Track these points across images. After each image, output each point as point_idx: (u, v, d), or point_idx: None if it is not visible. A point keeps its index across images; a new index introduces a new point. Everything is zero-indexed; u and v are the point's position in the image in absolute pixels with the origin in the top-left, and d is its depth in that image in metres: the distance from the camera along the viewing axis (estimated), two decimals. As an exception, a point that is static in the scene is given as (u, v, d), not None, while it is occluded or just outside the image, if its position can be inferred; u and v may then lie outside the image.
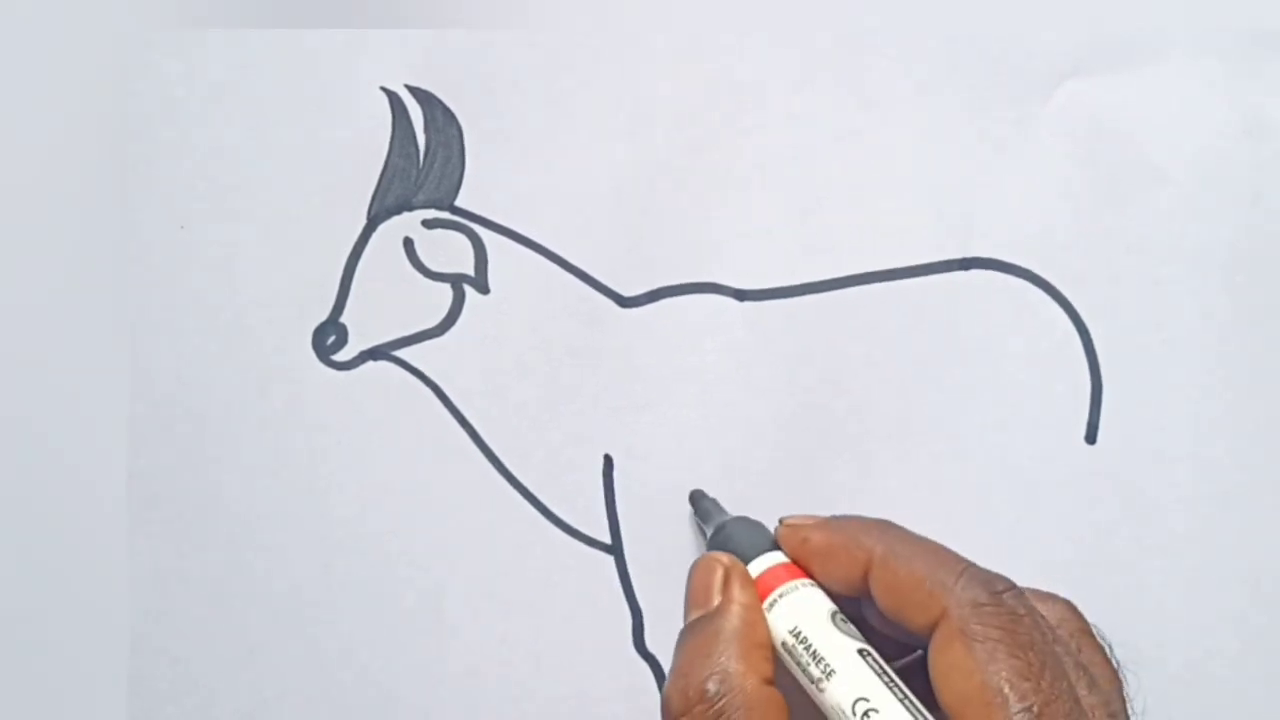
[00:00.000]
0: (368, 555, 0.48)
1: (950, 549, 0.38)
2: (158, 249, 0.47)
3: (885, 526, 0.39)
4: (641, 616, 0.47)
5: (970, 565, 0.37)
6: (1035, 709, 0.33)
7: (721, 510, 0.45)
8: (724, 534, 0.42)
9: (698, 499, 0.46)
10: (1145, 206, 0.47)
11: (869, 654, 0.37)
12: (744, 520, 0.43)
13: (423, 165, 0.47)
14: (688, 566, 0.40)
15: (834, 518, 0.41)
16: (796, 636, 0.38)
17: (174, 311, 0.47)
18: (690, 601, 0.40)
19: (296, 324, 0.48)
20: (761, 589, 0.40)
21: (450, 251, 0.47)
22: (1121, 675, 0.37)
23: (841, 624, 0.38)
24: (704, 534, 0.45)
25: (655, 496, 0.47)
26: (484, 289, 0.48)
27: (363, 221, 0.48)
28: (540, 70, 0.47)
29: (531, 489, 0.48)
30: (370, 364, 0.48)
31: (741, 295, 0.48)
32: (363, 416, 0.48)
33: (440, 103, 0.47)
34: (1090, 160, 0.47)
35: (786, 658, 0.38)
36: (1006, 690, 0.34)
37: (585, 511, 0.48)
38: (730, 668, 0.37)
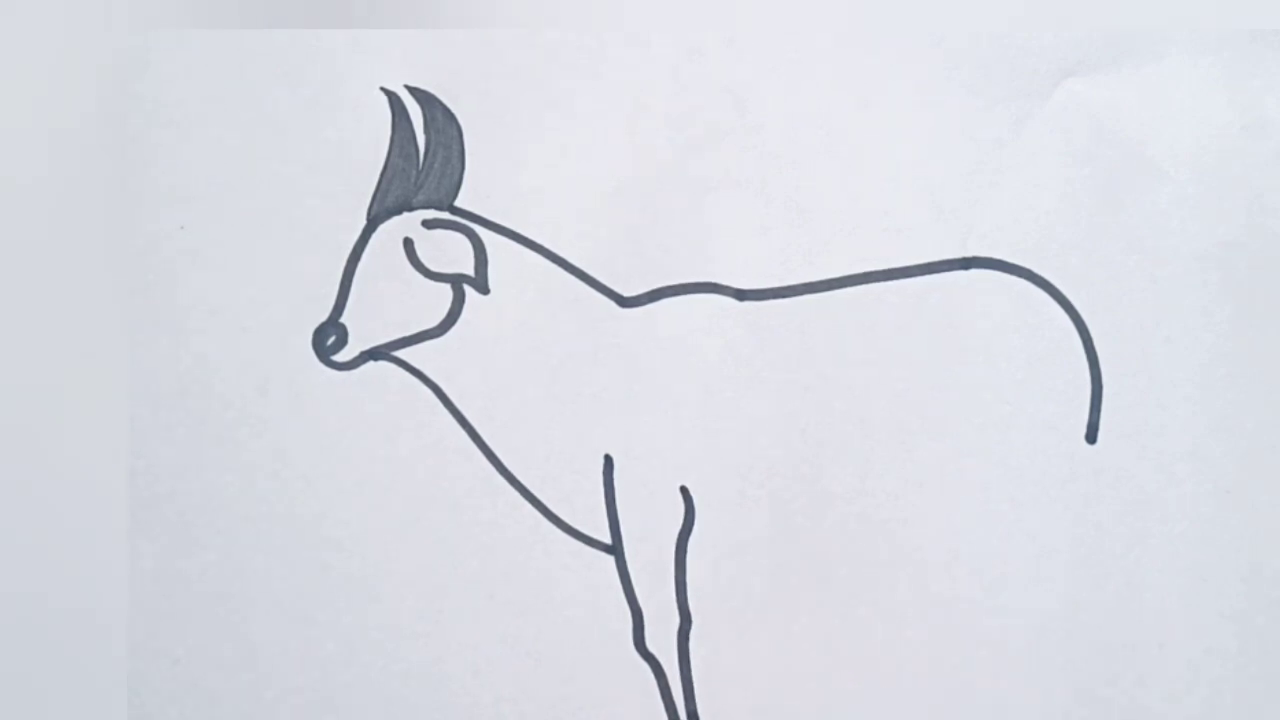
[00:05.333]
0: (367, 555, 0.48)
1: None
2: (158, 249, 0.47)
3: None
4: (641, 616, 0.47)
5: None
6: None
7: None
8: None
9: None
10: (1145, 205, 0.47)
11: None
12: None
13: (423, 165, 0.47)
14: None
15: None
16: None
17: (174, 311, 0.47)
18: None
19: (296, 324, 0.48)
20: None
21: (450, 251, 0.47)
22: None
23: None
24: None
25: (655, 496, 0.47)
26: (484, 289, 0.48)
27: (363, 222, 0.48)
28: (540, 70, 0.47)
29: (531, 489, 0.48)
30: (370, 364, 0.48)
31: (741, 295, 0.48)
32: (363, 417, 0.48)
33: (440, 103, 0.47)
34: (1090, 160, 0.47)
35: None
36: None
37: (585, 511, 0.48)
38: None
